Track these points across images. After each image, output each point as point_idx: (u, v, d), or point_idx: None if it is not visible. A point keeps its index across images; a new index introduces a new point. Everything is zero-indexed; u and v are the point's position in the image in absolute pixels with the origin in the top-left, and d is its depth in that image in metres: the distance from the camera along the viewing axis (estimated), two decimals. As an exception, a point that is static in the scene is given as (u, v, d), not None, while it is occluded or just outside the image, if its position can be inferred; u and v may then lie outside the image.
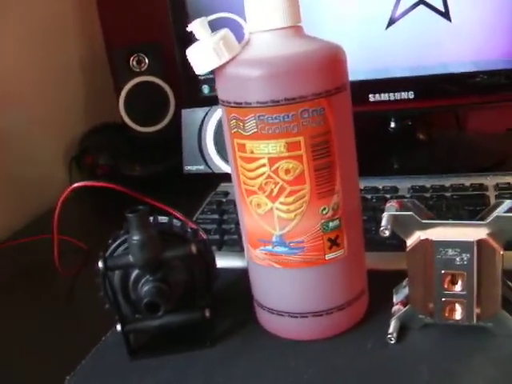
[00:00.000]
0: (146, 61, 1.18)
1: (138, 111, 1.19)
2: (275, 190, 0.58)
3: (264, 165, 0.57)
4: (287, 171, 0.57)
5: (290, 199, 0.57)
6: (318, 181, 0.58)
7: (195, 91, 1.06)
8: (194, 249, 0.59)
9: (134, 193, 0.75)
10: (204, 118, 1.01)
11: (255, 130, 0.56)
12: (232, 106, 0.57)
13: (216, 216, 0.88)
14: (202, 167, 1.01)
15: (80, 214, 1.07)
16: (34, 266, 0.91)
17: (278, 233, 0.58)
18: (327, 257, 0.60)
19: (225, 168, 0.98)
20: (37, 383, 0.65)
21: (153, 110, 1.20)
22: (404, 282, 0.64)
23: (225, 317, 0.67)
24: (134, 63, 1.17)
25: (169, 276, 0.61)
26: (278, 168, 0.57)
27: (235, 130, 0.56)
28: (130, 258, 0.60)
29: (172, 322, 0.62)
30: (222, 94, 0.59)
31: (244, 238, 0.64)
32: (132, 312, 0.63)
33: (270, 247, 0.59)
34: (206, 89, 1.05)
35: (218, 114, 0.98)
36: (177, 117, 1.15)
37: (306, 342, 0.63)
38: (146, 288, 0.60)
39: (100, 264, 0.59)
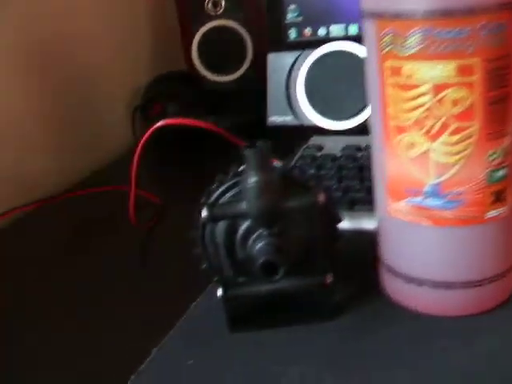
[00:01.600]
0: (223, 3, 1.06)
1: (212, 59, 1.08)
2: (436, 126, 0.46)
3: (425, 93, 0.46)
4: (455, 102, 0.45)
5: (454, 138, 0.44)
6: (489, 117, 0.46)
7: (281, 36, 0.93)
8: (322, 198, 0.46)
9: (232, 137, 0.61)
10: (294, 63, 0.89)
11: (419, 47, 0.44)
12: (387, 19, 0.45)
13: (312, 172, 0.74)
14: (288, 118, 0.88)
15: (152, 165, 0.94)
16: (102, 219, 0.81)
17: (432, 181, 0.46)
18: (488, 214, 0.49)
19: (317, 120, 0.85)
20: (118, 354, 0.54)
21: (228, 57, 1.09)
22: None
23: (345, 285, 0.55)
24: (210, 6, 1.06)
25: (287, 231, 0.47)
26: (443, 98, 0.45)
27: (389, 48, 0.45)
28: (243, 206, 0.46)
29: (285, 287, 0.49)
30: (371, 3, 0.47)
31: (378, 190, 0.53)
32: (235, 274, 0.50)
33: (419, 199, 0.47)
34: (293, 33, 0.93)
35: (310, 59, 0.86)
36: (255, 65, 1.07)
37: (450, 318, 0.52)
38: (260, 244, 0.46)
39: (204, 212, 0.46)
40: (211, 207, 0.47)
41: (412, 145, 0.46)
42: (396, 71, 0.45)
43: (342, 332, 0.52)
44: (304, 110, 0.87)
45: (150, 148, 0.95)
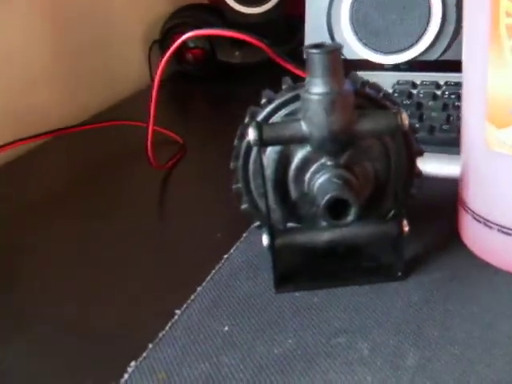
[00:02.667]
0: None
1: (238, -12, 0.91)
2: None
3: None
4: None
5: None
6: None
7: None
8: (404, 119, 0.33)
9: (278, 57, 0.49)
10: None
11: None
12: None
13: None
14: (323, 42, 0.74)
15: (168, 102, 0.82)
16: (117, 156, 0.69)
17: None
18: None
19: (362, 53, 0.71)
20: (137, 314, 0.43)
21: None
22: None
23: (415, 237, 0.43)
24: None
25: (358, 162, 0.34)
26: None
27: None
28: (303, 127, 0.33)
29: (349, 236, 0.36)
30: None
31: (472, 116, 0.41)
32: (285, 218, 0.37)
33: None
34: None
35: None
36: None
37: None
38: (324, 177, 0.33)
39: (252, 134, 0.34)
40: (260, 127, 0.34)
41: None
42: None
43: (418, 295, 0.41)
44: (348, 42, 0.75)
45: (170, 85, 0.83)
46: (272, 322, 0.39)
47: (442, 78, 0.67)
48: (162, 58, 0.52)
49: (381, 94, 0.39)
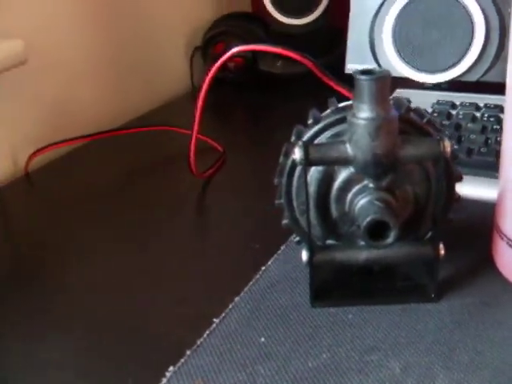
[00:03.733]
0: None
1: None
2: None
3: None
4: None
5: None
6: None
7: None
8: (447, 146, 0.34)
9: (321, 72, 0.50)
10: (381, 5, 0.75)
11: None
12: None
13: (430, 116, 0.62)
14: (371, 67, 0.74)
15: (209, 110, 0.83)
16: (156, 161, 0.72)
17: None
18: None
19: (403, 71, 0.72)
20: (174, 323, 0.45)
21: (302, -1, 0.92)
22: None
23: (449, 260, 0.44)
24: None
25: (399, 186, 0.36)
26: None
27: None
28: (348, 150, 0.35)
29: (387, 256, 0.37)
30: None
31: (510, 142, 0.42)
32: (325, 235, 0.38)
33: None
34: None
35: (400, 1, 0.72)
36: (329, 9, 0.97)
37: None
38: (366, 199, 0.35)
39: (298, 153, 0.35)
40: (307, 147, 0.36)
41: None
42: None
43: (450, 317, 0.42)
44: (390, 59, 0.76)
45: (211, 93, 0.84)
46: (307, 335, 0.40)
47: (481, 99, 0.68)
48: (208, 70, 0.53)
49: (424, 120, 0.40)
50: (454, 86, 0.72)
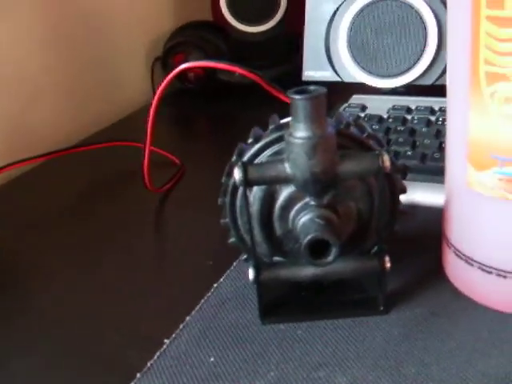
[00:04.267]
0: None
1: (241, 8, 0.97)
2: (545, 76, 0.32)
3: (534, 30, 0.31)
4: None
5: None
6: None
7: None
8: (386, 161, 0.34)
9: (269, 85, 0.50)
10: (335, 12, 0.76)
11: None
12: None
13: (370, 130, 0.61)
14: (327, 74, 0.76)
15: (168, 120, 0.83)
16: (113, 177, 0.71)
17: None
18: None
19: (359, 76, 0.72)
20: (124, 347, 0.44)
21: (259, 6, 0.98)
22: None
23: (399, 270, 0.45)
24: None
25: (341, 202, 0.36)
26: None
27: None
28: (287, 168, 0.35)
29: (332, 272, 0.38)
30: None
31: (454, 156, 0.43)
32: (270, 252, 0.38)
33: (511, 170, 0.33)
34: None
35: (356, 6, 0.72)
36: (288, 16, 0.97)
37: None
38: (307, 217, 0.35)
39: (236, 174, 0.35)
40: (245, 168, 0.36)
41: (509, 99, 0.34)
42: (495, 2, 0.33)
43: (399, 330, 0.42)
44: (345, 65, 0.76)
45: (171, 103, 0.84)
46: (256, 353, 0.40)
47: (437, 102, 0.68)
48: (162, 81, 0.53)
49: (365, 135, 0.40)
50: (411, 90, 0.72)
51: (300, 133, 0.36)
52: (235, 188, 0.40)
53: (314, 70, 0.79)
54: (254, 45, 0.97)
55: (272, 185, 0.39)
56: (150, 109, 0.55)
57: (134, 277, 0.50)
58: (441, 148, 0.59)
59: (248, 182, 0.37)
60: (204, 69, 0.91)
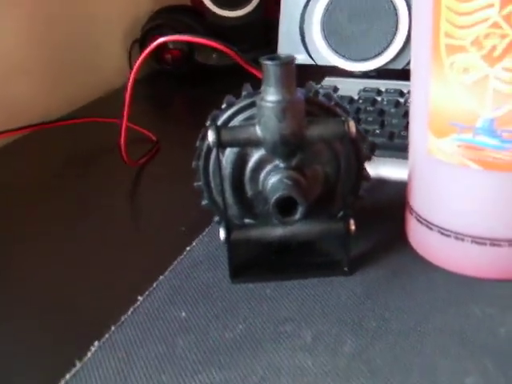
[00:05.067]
0: None
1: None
2: (500, 47, 0.38)
3: (491, 5, 0.38)
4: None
5: None
6: None
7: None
8: (352, 127, 0.37)
9: (243, 61, 0.52)
10: None
11: None
12: None
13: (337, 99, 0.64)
14: (301, 56, 0.78)
15: (146, 101, 0.85)
16: (90, 152, 0.73)
17: (487, 115, 0.39)
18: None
19: (332, 60, 0.75)
20: (100, 302, 0.46)
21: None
22: None
23: (365, 236, 0.48)
24: None
25: (308, 165, 0.38)
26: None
27: None
28: (257, 131, 0.37)
29: (299, 233, 0.40)
30: None
31: (416, 124, 0.45)
32: (241, 214, 0.41)
33: (468, 136, 0.38)
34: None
35: None
36: (265, 0, 0.99)
37: (489, 281, 0.44)
38: (275, 178, 0.37)
39: (210, 136, 0.37)
40: (219, 130, 0.38)
41: (467, 69, 0.37)
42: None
43: (362, 289, 0.44)
44: (319, 49, 0.78)
45: (148, 85, 0.86)
46: (225, 309, 0.42)
47: (406, 86, 0.71)
48: (139, 58, 0.55)
49: (332, 102, 0.42)
50: (382, 74, 0.75)
51: (271, 97, 0.39)
52: (209, 151, 0.42)
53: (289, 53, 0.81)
54: (231, 29, 0.99)
55: (243, 147, 0.41)
56: (128, 83, 0.56)
57: (111, 241, 0.53)
58: (407, 127, 0.61)
59: (221, 144, 0.40)
60: (181, 50, 0.93)
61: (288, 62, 0.38)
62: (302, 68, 0.78)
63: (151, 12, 0.99)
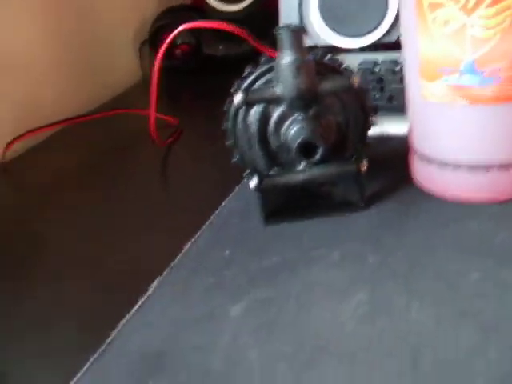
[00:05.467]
0: None
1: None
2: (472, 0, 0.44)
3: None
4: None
5: (491, 11, 0.45)
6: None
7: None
8: (355, 80, 0.45)
9: (259, 43, 0.60)
10: None
11: None
12: None
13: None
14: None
15: (161, 93, 0.92)
16: (121, 140, 0.80)
17: (468, 58, 0.47)
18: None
19: (331, 39, 0.82)
20: (149, 252, 0.54)
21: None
22: None
23: (375, 180, 0.55)
24: None
25: (322, 115, 0.47)
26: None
27: None
28: (278, 90, 0.46)
29: (320, 174, 0.48)
30: None
31: (411, 75, 0.52)
32: (268, 165, 0.49)
33: (455, 77, 0.46)
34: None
35: None
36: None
37: (485, 203, 0.51)
38: (296, 127, 0.46)
39: (237, 97, 0.46)
40: (245, 92, 0.46)
41: (447, 21, 0.46)
42: None
43: (377, 218, 0.52)
44: (318, 29, 0.85)
45: (163, 77, 0.93)
46: (261, 247, 0.50)
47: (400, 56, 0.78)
48: (158, 51, 0.63)
49: (337, 64, 0.51)
50: (378, 47, 0.83)
51: (286, 58, 0.47)
52: (236, 113, 0.50)
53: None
54: (232, 22, 1.05)
55: (266, 105, 0.49)
56: (152, 75, 0.65)
57: (151, 206, 0.61)
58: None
59: (247, 103, 0.48)
60: (189, 44, 1.00)
61: (298, 29, 0.46)
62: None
63: (156, 14, 1.06)
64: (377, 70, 0.75)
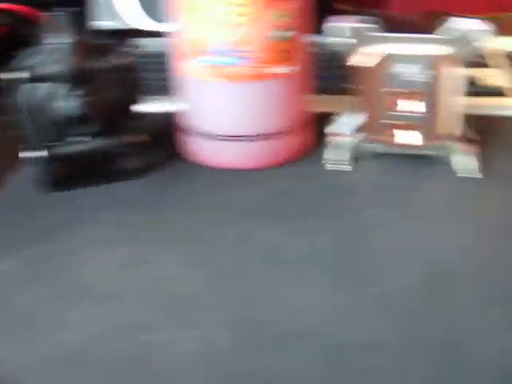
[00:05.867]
0: None
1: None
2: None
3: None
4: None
5: (244, 0, 0.52)
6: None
7: None
8: (128, 59, 0.51)
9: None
10: None
11: None
12: None
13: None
14: (111, 23, 0.91)
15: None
16: None
17: (225, 40, 0.54)
18: (277, 70, 0.55)
19: (141, 23, 0.87)
20: None
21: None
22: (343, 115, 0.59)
23: (150, 151, 0.60)
24: None
25: (95, 93, 0.52)
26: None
27: None
28: (51, 67, 0.51)
29: (99, 146, 0.54)
30: None
31: (176, 54, 0.58)
32: (52, 138, 0.55)
33: (214, 58, 0.54)
34: None
35: None
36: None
37: (245, 170, 0.58)
38: (72, 102, 0.51)
39: (22, 74, 0.50)
40: (29, 69, 0.51)
41: (207, 6, 0.53)
42: None
43: (151, 185, 0.57)
44: (132, 15, 0.89)
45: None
46: (41, 211, 0.55)
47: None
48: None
49: (113, 45, 0.56)
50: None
51: (59, 39, 0.52)
52: (18, 89, 0.55)
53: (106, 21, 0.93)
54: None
55: (41, 83, 0.54)
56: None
57: None
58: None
59: (30, 80, 0.53)
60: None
61: (73, 12, 0.51)
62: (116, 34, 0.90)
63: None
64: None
